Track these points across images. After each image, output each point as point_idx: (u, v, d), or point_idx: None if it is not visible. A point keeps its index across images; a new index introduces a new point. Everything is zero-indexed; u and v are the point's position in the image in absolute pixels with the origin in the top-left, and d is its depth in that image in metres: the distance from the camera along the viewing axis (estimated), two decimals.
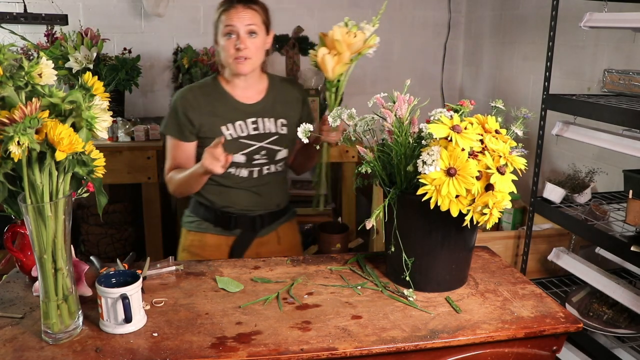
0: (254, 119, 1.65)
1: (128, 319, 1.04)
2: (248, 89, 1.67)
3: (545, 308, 1.19)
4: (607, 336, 1.75)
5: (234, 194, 1.68)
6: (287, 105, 1.71)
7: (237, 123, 1.64)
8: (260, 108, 1.67)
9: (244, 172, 1.66)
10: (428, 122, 1.17)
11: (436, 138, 1.08)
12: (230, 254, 1.70)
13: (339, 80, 1.62)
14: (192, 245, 1.73)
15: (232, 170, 1.65)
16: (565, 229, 2.00)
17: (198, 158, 1.63)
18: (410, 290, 1.22)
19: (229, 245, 1.71)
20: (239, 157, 1.63)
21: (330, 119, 1.32)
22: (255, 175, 1.68)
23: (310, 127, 1.31)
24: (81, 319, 1.07)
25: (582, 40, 2.38)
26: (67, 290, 1.02)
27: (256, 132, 1.65)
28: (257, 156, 1.65)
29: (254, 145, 1.65)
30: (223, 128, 1.62)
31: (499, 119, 1.17)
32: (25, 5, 2.85)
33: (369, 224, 1.18)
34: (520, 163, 1.10)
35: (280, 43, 3.19)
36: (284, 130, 1.69)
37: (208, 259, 1.52)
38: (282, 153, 1.69)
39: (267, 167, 1.68)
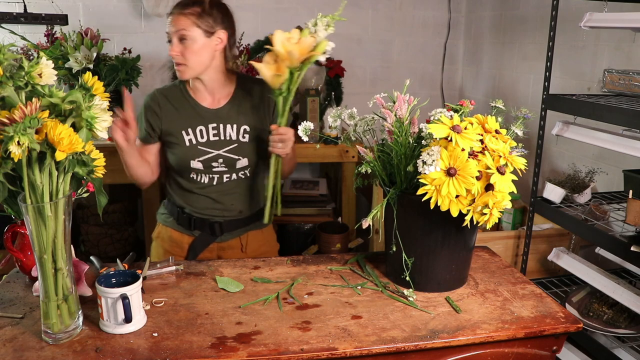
0: (215, 125, 1.62)
1: (128, 319, 1.04)
2: (211, 93, 1.63)
3: (545, 308, 1.19)
4: (607, 336, 1.75)
5: (195, 198, 1.67)
6: (253, 110, 1.65)
7: (198, 128, 1.61)
8: (223, 113, 1.63)
9: (204, 179, 1.65)
10: (428, 122, 1.18)
11: (436, 138, 1.08)
12: (187, 252, 1.71)
13: (283, 90, 1.46)
14: (159, 236, 1.77)
15: (193, 175, 1.65)
16: (565, 229, 2.00)
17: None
18: (410, 290, 1.22)
19: (188, 244, 1.71)
20: (196, 164, 1.62)
21: (330, 119, 1.32)
22: (215, 182, 1.65)
23: (310, 125, 1.31)
24: (81, 319, 1.07)
25: (582, 40, 2.38)
26: (67, 290, 1.02)
27: (216, 139, 1.62)
28: (214, 164, 1.63)
29: (211, 152, 1.62)
30: (183, 132, 1.61)
31: (499, 119, 1.17)
32: (25, 5, 2.85)
33: (365, 223, 1.18)
34: (520, 163, 1.10)
35: None
36: (246, 139, 1.64)
37: (171, 252, 1.69)
38: (242, 162, 1.65)
39: (227, 175, 1.65)
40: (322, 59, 1.47)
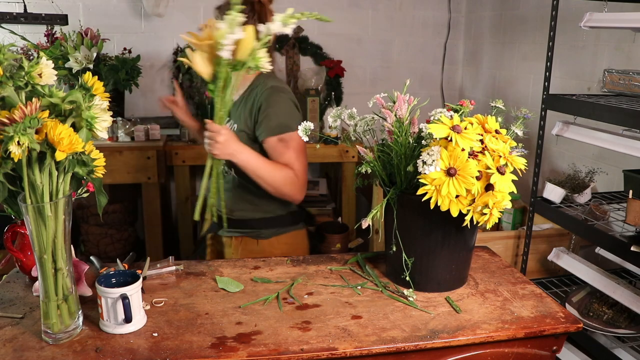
0: (227, 118, 1.66)
1: (128, 319, 1.04)
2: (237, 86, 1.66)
3: (545, 308, 1.19)
4: (607, 336, 1.75)
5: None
6: (247, 111, 1.64)
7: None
8: (232, 108, 1.66)
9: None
10: (428, 122, 1.18)
11: (436, 138, 1.08)
12: None
13: (214, 86, 1.37)
14: None
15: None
16: (565, 229, 2.00)
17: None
18: (410, 290, 1.22)
19: None
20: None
21: (330, 119, 1.32)
22: (224, 172, 1.71)
23: (310, 125, 1.30)
24: (81, 319, 1.07)
25: (582, 40, 2.38)
26: (67, 290, 1.02)
27: None
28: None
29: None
30: None
31: (499, 119, 1.17)
32: (25, 5, 2.86)
33: (365, 223, 1.18)
34: (520, 163, 1.10)
35: (280, 43, 3.20)
36: None
37: None
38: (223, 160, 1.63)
39: (225, 167, 1.70)
40: (224, 54, 1.32)
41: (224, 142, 1.46)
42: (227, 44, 1.29)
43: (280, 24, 1.29)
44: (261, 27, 1.31)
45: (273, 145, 1.60)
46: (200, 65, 1.35)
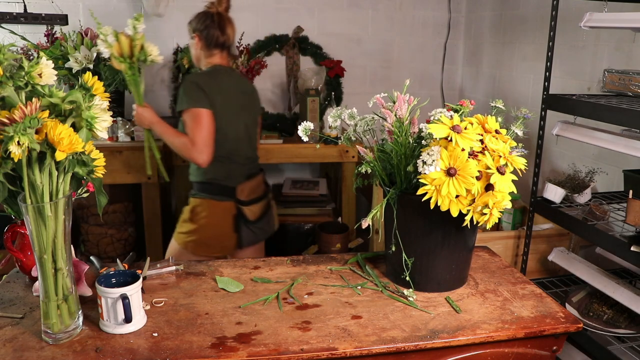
0: None
1: (128, 319, 1.04)
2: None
3: (545, 308, 1.19)
4: (607, 336, 1.75)
5: None
6: None
7: None
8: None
9: None
10: (428, 122, 1.18)
11: (436, 138, 1.08)
12: None
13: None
14: None
15: None
16: (565, 229, 2.00)
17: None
18: (410, 290, 1.22)
19: None
20: None
21: (330, 119, 1.32)
22: None
23: (310, 125, 1.30)
24: (81, 319, 1.07)
25: (582, 40, 2.38)
26: (67, 290, 1.02)
27: None
28: None
29: None
30: None
31: (499, 119, 1.17)
32: (25, 5, 2.86)
33: (365, 223, 1.18)
34: (520, 163, 1.10)
35: (280, 43, 3.20)
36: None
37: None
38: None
39: None
40: (105, 54, 1.94)
41: (137, 115, 2.05)
42: (102, 48, 1.89)
43: (131, 28, 1.90)
44: (127, 30, 1.91)
45: (182, 119, 2.01)
46: (115, 63, 1.93)
